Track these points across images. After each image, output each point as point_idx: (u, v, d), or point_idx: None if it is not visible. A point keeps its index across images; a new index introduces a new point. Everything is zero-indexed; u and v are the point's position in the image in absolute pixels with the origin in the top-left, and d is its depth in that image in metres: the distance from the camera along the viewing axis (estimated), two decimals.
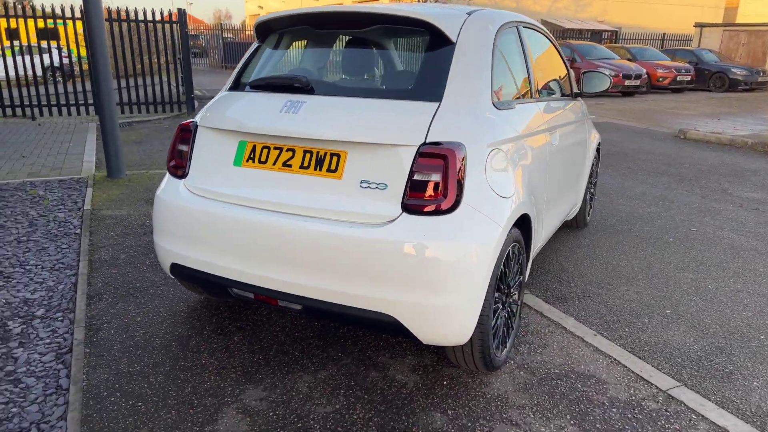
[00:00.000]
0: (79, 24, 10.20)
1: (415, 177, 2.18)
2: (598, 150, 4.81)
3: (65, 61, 14.21)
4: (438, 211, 2.17)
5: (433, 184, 2.17)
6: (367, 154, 2.26)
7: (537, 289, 3.56)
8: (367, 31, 2.64)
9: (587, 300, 3.43)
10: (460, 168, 2.19)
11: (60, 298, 3.34)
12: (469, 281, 2.18)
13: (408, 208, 2.18)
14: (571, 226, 4.73)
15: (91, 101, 10.62)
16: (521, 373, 2.61)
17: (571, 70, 4.00)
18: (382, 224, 2.18)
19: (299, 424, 2.25)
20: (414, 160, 2.19)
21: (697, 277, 3.82)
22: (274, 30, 2.85)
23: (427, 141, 2.21)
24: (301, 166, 2.36)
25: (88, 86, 10.67)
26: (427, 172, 2.17)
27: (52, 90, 13.57)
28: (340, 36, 2.73)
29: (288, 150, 2.40)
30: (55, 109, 10.90)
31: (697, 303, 3.42)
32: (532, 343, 2.87)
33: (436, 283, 2.15)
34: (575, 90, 4.00)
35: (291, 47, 2.78)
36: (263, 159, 2.44)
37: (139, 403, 2.38)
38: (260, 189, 2.42)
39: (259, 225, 2.34)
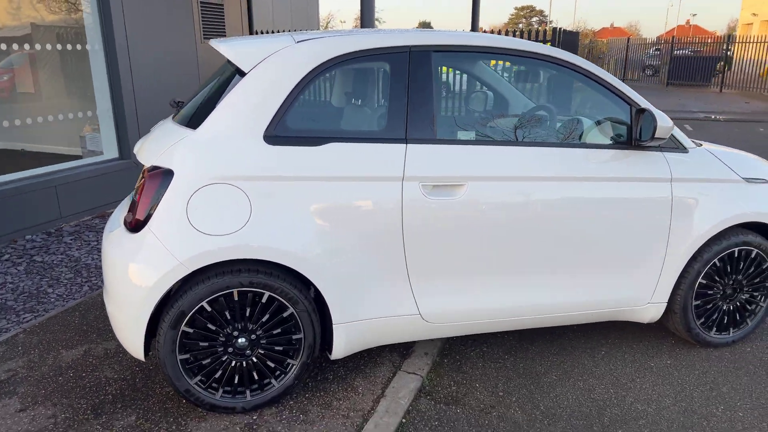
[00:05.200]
0: None
1: (134, 195, 2.40)
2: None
3: None
4: (130, 229, 2.35)
5: (134, 203, 2.36)
6: None
7: (452, 375, 2.79)
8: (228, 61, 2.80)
9: (479, 417, 2.50)
10: (153, 192, 2.29)
11: None
12: (129, 300, 2.28)
13: (124, 220, 2.44)
14: (677, 337, 3.16)
15: None
16: (237, 428, 2.38)
17: (635, 106, 2.69)
18: (113, 231, 2.50)
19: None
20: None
21: None
22: None
23: (153, 165, 2.37)
24: None
25: None
26: (137, 192, 2.37)
27: None
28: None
29: None
30: None
31: None
32: (309, 412, 2.47)
33: (109, 293, 2.41)
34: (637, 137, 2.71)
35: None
36: None
37: (35, 338, 3.18)
38: None
39: None
